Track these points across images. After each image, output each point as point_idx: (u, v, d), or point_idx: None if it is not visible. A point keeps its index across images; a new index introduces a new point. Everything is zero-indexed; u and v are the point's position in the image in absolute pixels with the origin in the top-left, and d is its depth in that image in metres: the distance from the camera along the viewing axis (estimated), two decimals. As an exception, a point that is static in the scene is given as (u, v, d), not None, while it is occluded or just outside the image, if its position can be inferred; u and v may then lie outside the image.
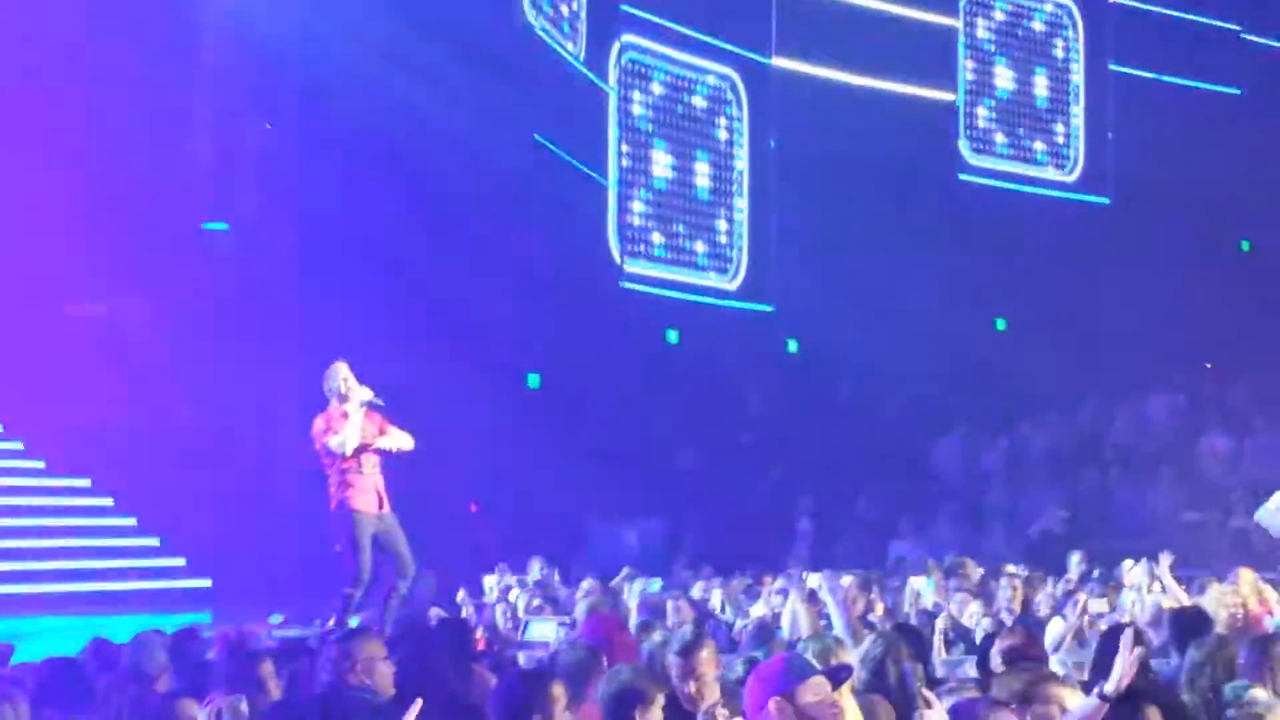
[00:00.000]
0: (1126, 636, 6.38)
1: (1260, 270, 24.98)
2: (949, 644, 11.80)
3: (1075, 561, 16.04)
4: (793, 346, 24.30)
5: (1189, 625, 9.83)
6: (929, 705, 6.20)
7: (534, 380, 20.91)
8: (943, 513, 21.44)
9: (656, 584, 14.87)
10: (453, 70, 19.06)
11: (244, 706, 6.20)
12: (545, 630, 12.48)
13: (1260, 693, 7.78)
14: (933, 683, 9.16)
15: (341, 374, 12.28)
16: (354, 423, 12.16)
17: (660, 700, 6.64)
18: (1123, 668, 6.15)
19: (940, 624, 11.95)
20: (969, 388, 23.38)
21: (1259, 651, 8.60)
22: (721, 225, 23.15)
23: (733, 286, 23.30)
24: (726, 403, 22.86)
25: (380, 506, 12.34)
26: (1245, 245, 26.55)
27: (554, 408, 20.02)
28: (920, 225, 22.68)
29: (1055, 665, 9.44)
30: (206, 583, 17.88)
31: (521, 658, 11.00)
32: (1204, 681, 8.50)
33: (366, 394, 12.26)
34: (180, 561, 18.35)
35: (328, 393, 12.30)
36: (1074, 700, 6.56)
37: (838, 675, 5.85)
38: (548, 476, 18.34)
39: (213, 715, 6.15)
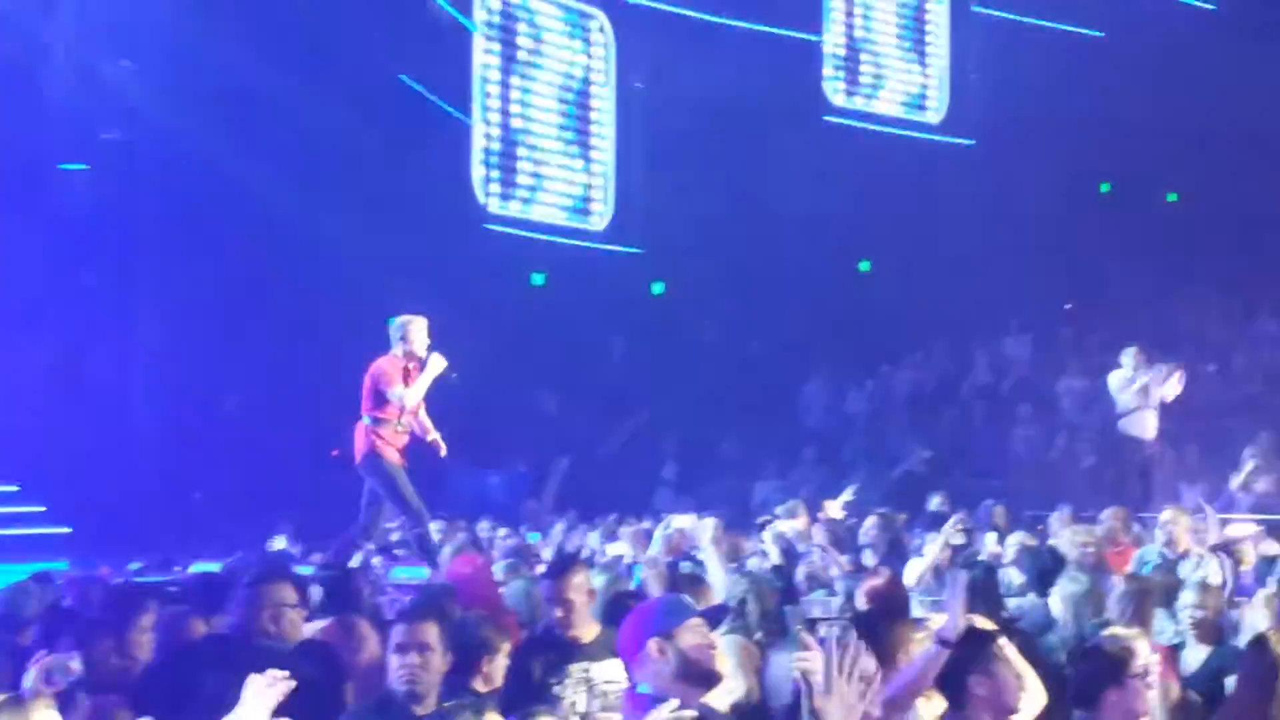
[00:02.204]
0: (956, 579, 6.42)
1: (1119, 213, 25.30)
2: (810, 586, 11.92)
3: (936, 502, 16.23)
4: (658, 289, 24.30)
5: (1045, 565, 10.01)
6: (808, 647, 6.23)
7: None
8: (807, 455, 21.61)
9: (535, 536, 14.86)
10: (318, 10, 18.83)
11: (76, 664, 6.03)
12: (410, 576, 12.45)
13: (1120, 629, 7.90)
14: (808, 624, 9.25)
15: (423, 333, 12.40)
16: (422, 384, 12.29)
17: (506, 648, 6.64)
18: (956, 611, 6.19)
19: (804, 566, 12.05)
20: (834, 330, 23.52)
21: (1134, 590, 8.76)
22: (587, 167, 23.07)
23: (599, 228, 23.24)
24: (592, 346, 22.85)
25: (402, 459, 12.50)
26: (1105, 187, 26.85)
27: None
28: (786, 167, 22.72)
29: (916, 605, 9.55)
30: (66, 530, 17.64)
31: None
32: (1070, 619, 8.65)
33: (442, 364, 12.35)
34: (40, 509, 18.10)
35: (397, 341, 12.34)
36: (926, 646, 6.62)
37: (715, 616, 5.87)
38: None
39: (41, 675, 5.98)
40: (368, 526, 12.69)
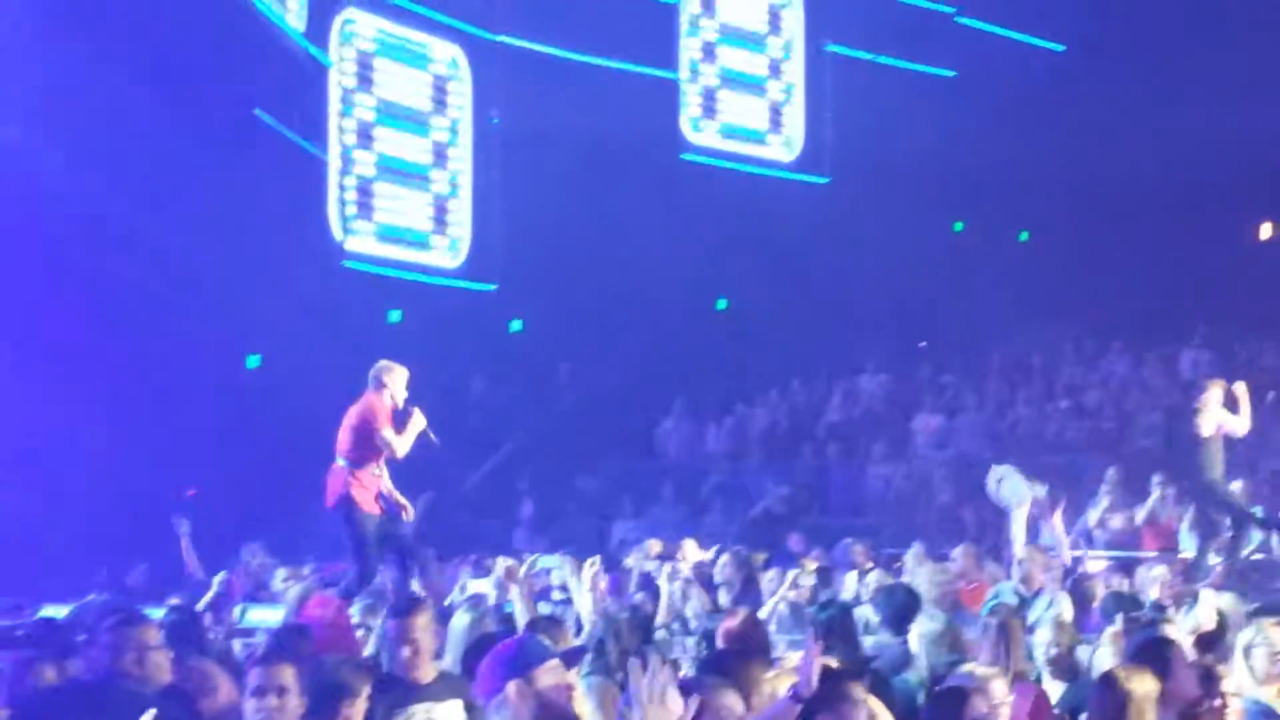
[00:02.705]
0: (810, 643, 6.41)
1: (971, 251, 25.62)
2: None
3: (794, 541, 16.30)
4: (516, 326, 24.24)
5: (901, 604, 10.05)
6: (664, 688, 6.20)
7: (254, 361, 20.55)
8: (665, 492, 21.61)
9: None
10: (173, 43, 18.57)
11: None
12: (264, 616, 12.28)
13: (977, 667, 7.94)
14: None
15: (403, 383, 12.15)
16: (410, 436, 12.03)
17: (366, 691, 6.55)
18: (807, 668, 6.17)
19: (665, 608, 12.03)
20: (691, 367, 23.59)
21: (989, 627, 8.82)
22: (444, 203, 22.96)
23: (455, 266, 23.14)
24: (449, 383, 22.71)
25: (378, 509, 12.17)
26: (958, 226, 27.18)
27: (275, 391, 19.69)
28: (643, 204, 22.76)
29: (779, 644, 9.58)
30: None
31: (238, 645, 10.83)
32: (931, 654, 8.69)
33: (423, 421, 12.20)
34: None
35: (379, 384, 12.03)
36: (785, 685, 6.61)
37: (573, 657, 5.83)
38: (268, 460, 18.03)
39: None
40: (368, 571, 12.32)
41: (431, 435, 12.25)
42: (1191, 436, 14.97)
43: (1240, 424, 15.12)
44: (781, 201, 24.75)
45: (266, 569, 14.91)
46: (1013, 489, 15.45)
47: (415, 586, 12.40)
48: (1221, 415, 14.98)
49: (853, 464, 21.88)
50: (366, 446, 11.97)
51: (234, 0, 19.54)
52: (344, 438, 12.08)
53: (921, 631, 8.88)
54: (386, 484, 12.31)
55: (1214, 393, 15.18)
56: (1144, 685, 6.63)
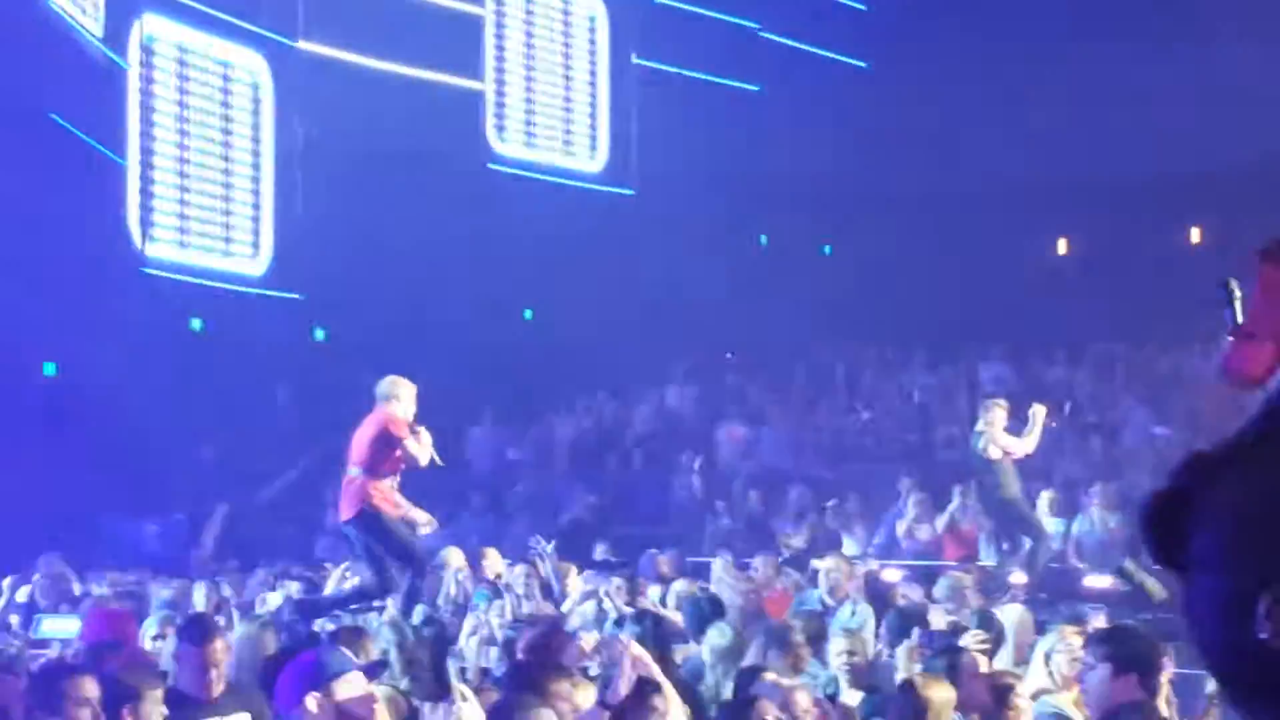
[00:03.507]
0: (622, 648, 6.45)
1: (776, 263, 25.87)
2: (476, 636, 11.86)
3: (601, 551, 16.31)
4: (320, 335, 24.02)
5: (703, 612, 10.13)
6: (464, 698, 6.18)
7: (50, 369, 20.15)
8: (473, 502, 21.52)
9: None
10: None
11: None
12: (59, 627, 12.06)
13: (774, 676, 8.01)
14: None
15: (413, 401, 12.34)
16: (426, 451, 12.16)
17: (156, 695, 6.45)
18: (621, 676, 6.24)
19: (470, 618, 12.00)
20: (498, 377, 23.52)
21: (780, 638, 8.90)
22: (247, 211, 22.69)
23: (259, 273, 22.87)
24: (253, 392, 22.43)
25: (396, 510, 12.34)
26: (763, 239, 27.43)
27: (73, 399, 19.33)
28: (450, 213, 22.68)
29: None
30: None
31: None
32: (721, 667, 8.76)
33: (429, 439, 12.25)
34: None
35: (390, 398, 11.98)
36: (585, 696, 6.63)
37: (373, 670, 5.78)
38: (65, 468, 17.70)
39: None
40: (385, 582, 12.30)
41: (436, 456, 12.40)
42: (980, 457, 15.27)
43: (1025, 445, 15.42)
44: (589, 212, 24.81)
45: (63, 579, 14.61)
46: None
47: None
48: (1005, 439, 15.27)
49: (659, 474, 21.97)
50: (386, 456, 12.17)
51: (28, 4, 19.17)
52: (361, 450, 12.26)
53: (710, 644, 8.96)
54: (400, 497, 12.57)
55: (996, 415, 15.47)
56: (941, 693, 6.77)
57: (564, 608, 12.49)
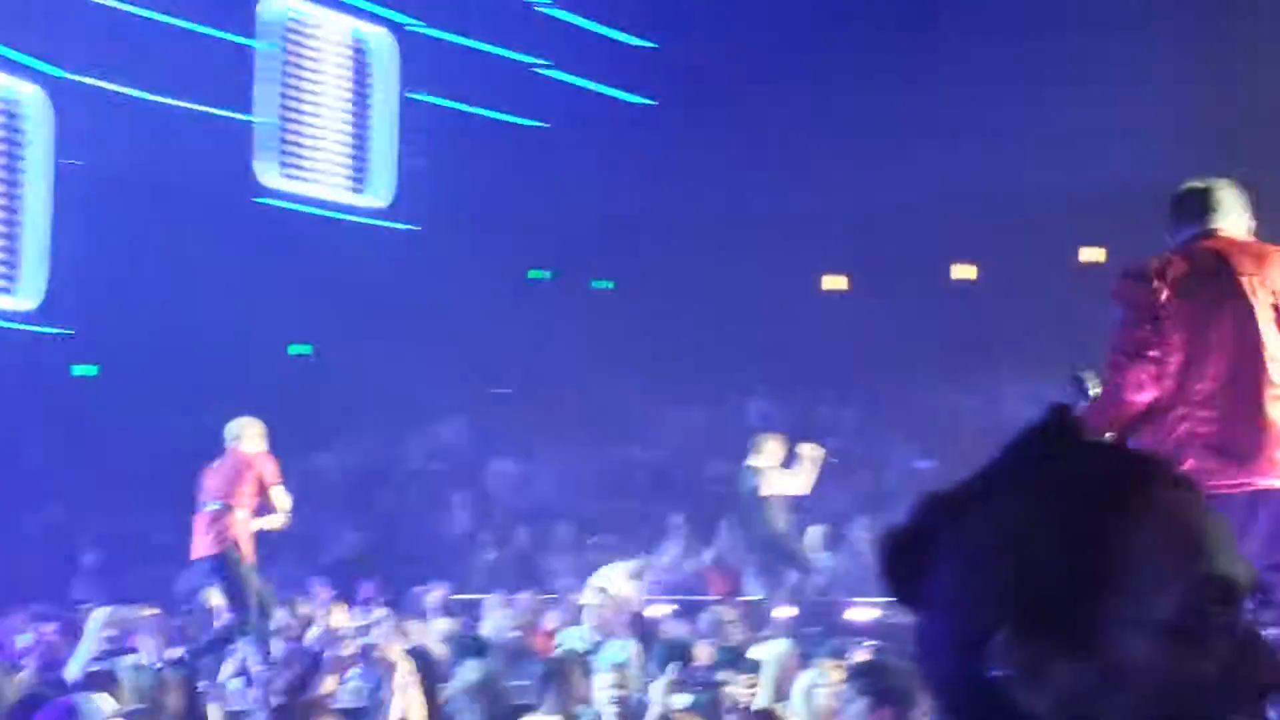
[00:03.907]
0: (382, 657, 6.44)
1: (555, 299, 25.89)
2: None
3: (367, 588, 16.18)
4: (88, 370, 23.56)
5: (468, 649, 10.09)
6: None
7: None
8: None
9: None
10: None
11: None
12: None
13: (538, 716, 7.99)
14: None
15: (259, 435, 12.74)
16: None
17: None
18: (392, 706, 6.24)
19: (231, 661, 11.85)
20: (271, 413, 23.19)
21: (552, 673, 8.89)
22: (14, 246, 22.13)
23: (27, 308, 22.31)
24: (12, 429, 21.89)
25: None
26: (545, 275, 27.45)
27: None
28: (219, 248, 22.35)
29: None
30: None
31: None
32: (477, 704, 8.72)
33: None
34: None
35: (238, 439, 11.80)
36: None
37: (131, 717, 5.68)
38: None
39: None
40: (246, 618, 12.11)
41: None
42: (749, 493, 15.36)
43: (799, 484, 15.58)
44: (364, 247, 24.59)
45: None
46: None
47: None
48: (779, 480, 15.41)
49: (430, 510, 21.85)
50: (246, 496, 12.52)
51: None
52: (237, 484, 12.04)
53: (463, 680, 8.94)
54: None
55: (769, 450, 15.58)
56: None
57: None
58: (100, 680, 8.61)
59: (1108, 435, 6.04)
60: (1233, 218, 6.22)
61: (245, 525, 12.32)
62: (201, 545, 12.40)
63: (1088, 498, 1.47)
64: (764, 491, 15.19)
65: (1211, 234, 6.19)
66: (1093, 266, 25.95)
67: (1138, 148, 22.31)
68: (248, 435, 12.64)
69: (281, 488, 12.43)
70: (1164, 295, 6.03)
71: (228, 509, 12.24)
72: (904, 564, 1.54)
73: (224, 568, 12.32)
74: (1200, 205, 6.23)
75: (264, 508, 12.64)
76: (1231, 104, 22.25)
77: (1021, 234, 24.58)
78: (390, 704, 6.49)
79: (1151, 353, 6.03)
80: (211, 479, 12.47)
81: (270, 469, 12.49)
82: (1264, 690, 1.44)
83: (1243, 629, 1.44)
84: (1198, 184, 6.31)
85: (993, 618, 1.45)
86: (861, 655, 10.60)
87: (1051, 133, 22.81)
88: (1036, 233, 24.62)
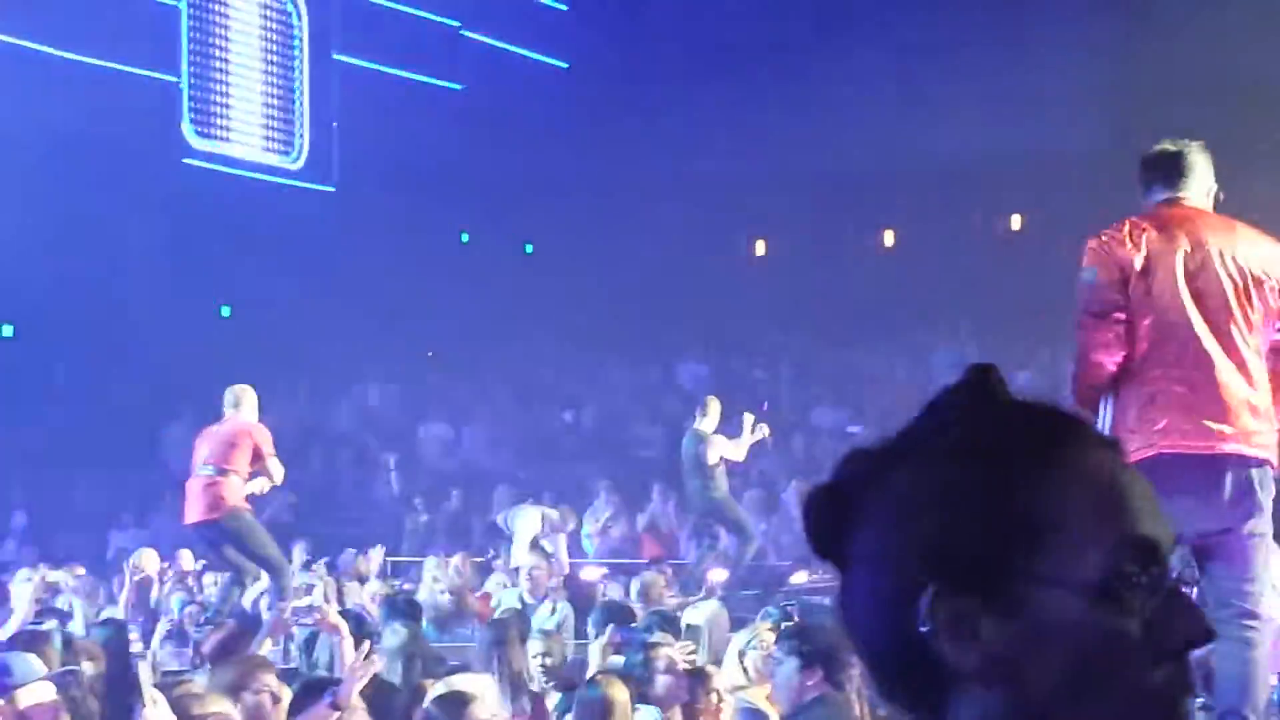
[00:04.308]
0: (355, 658, 6.47)
1: (478, 261, 25.85)
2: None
3: (298, 551, 16.15)
4: (7, 331, 23.36)
5: (401, 612, 10.11)
6: (154, 702, 6.08)
7: None
8: (166, 502, 21.11)
9: None
10: None
11: None
12: None
13: (463, 678, 8.00)
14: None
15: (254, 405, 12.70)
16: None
17: None
18: (350, 680, 6.31)
19: (164, 621, 11.85)
20: (196, 375, 23.09)
21: (499, 638, 8.92)
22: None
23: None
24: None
25: None
26: (465, 237, 27.41)
27: None
28: (145, 208, 22.19)
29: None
30: None
31: None
32: (403, 664, 8.76)
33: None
34: None
35: (236, 406, 12.33)
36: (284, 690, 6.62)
37: (64, 679, 5.66)
38: None
39: None
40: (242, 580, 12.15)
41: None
42: (694, 458, 15.34)
43: (739, 452, 15.61)
44: (289, 208, 24.48)
45: None
46: (522, 519, 15.71)
47: None
48: (723, 446, 15.42)
49: (360, 472, 21.82)
50: (242, 464, 12.47)
51: None
52: (237, 451, 12.38)
53: (385, 645, 8.94)
54: None
55: (715, 413, 15.59)
56: (618, 691, 6.88)
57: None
58: (28, 640, 8.57)
59: (1081, 396, 6.17)
60: (1200, 184, 6.27)
61: (240, 491, 12.40)
62: (196, 510, 12.43)
63: (1010, 457, 1.48)
64: (711, 459, 15.16)
65: (1177, 201, 6.24)
66: (1013, 233, 26.20)
67: (1055, 116, 22.52)
68: (246, 402, 12.69)
69: (276, 458, 12.48)
70: (1134, 258, 6.09)
71: (223, 474, 12.30)
72: (829, 521, 1.55)
73: (225, 534, 12.40)
74: (1170, 169, 6.27)
75: (256, 476, 12.68)
76: (1143, 75, 22.44)
77: (943, 200, 24.76)
78: (327, 664, 6.53)
79: (1118, 314, 6.08)
80: (208, 444, 12.50)
81: (267, 439, 12.52)
82: (1185, 648, 1.48)
83: (1165, 588, 1.48)
84: (1170, 147, 6.33)
85: (920, 575, 1.46)
86: (793, 617, 10.68)
87: (973, 102, 22.93)
88: (958, 199, 24.80)
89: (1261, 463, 6.06)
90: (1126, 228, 6.20)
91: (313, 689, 6.77)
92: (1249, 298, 6.12)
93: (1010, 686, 1.47)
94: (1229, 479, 5.98)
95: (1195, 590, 5.65)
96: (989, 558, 1.46)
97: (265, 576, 12.55)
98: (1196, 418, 6.02)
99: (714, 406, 15.51)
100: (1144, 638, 1.45)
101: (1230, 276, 6.11)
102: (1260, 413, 6.08)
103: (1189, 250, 6.12)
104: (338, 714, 6.26)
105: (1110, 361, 6.13)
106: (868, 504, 1.52)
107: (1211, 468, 5.97)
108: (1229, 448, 6.01)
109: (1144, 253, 6.12)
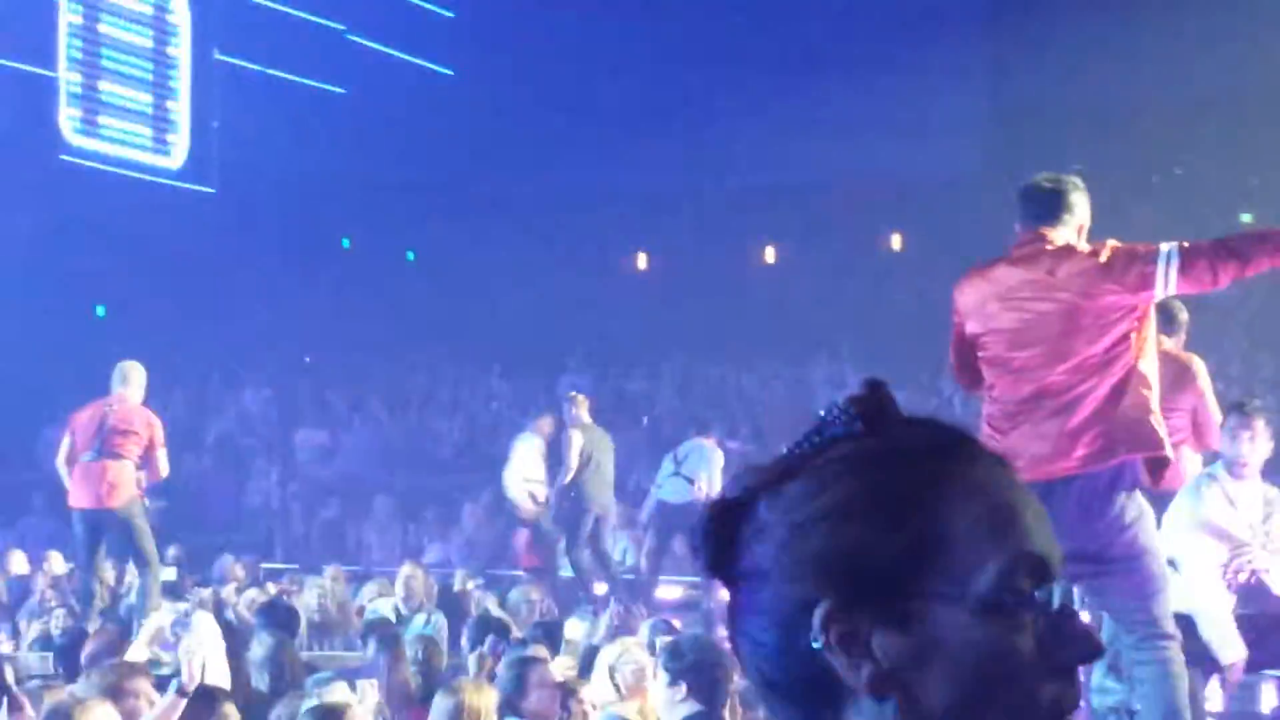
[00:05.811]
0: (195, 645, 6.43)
1: (359, 268, 25.72)
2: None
3: (171, 554, 15.98)
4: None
5: (282, 621, 10.05)
6: (20, 707, 6.02)
7: None
8: (37, 504, 20.83)
9: None
10: None
11: None
12: None
13: (339, 687, 7.97)
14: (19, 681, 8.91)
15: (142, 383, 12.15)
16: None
17: None
18: (190, 665, 6.28)
19: (37, 624, 11.70)
20: (72, 376, 22.79)
21: (385, 640, 8.91)
22: None
23: None
24: None
25: None
26: (345, 243, 27.25)
27: None
28: (18, 205, 21.87)
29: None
30: None
31: None
32: (270, 672, 8.69)
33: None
34: None
35: (125, 383, 11.44)
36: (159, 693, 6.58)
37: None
38: None
39: None
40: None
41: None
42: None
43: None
44: (167, 209, 24.21)
45: None
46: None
47: None
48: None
49: (234, 478, 21.61)
50: (138, 452, 12.09)
51: None
52: (134, 436, 11.92)
53: (252, 655, 8.87)
54: None
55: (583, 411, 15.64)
56: (481, 697, 6.89)
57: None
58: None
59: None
60: (1071, 219, 6.30)
61: (133, 480, 12.00)
62: (86, 495, 11.90)
63: (903, 473, 1.50)
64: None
65: (1041, 237, 6.28)
66: (894, 253, 26.44)
67: (936, 138, 22.77)
68: (134, 380, 12.17)
69: (164, 451, 12.11)
70: (964, 316, 6.32)
71: (117, 459, 11.88)
72: (721, 538, 1.55)
73: (115, 524, 11.95)
74: (1037, 205, 6.31)
75: (143, 468, 12.26)
76: (1021, 98, 22.75)
77: (825, 219, 24.93)
78: (200, 672, 6.48)
79: (961, 365, 6.37)
80: (98, 425, 11.97)
81: (160, 431, 12.12)
82: (1076, 663, 1.49)
83: (1056, 604, 1.49)
84: (1044, 182, 6.38)
85: (813, 590, 1.47)
86: (669, 633, 10.69)
87: (855, 122, 23.13)
88: (839, 217, 24.99)
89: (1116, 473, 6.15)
90: (962, 281, 6.38)
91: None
92: (1076, 318, 6.19)
93: (903, 701, 1.47)
94: (1071, 501, 6.06)
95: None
96: (882, 573, 1.47)
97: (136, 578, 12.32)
98: (1035, 443, 6.14)
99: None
100: (1035, 653, 1.47)
101: (1071, 311, 6.18)
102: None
103: (1025, 289, 6.21)
104: (184, 701, 6.28)
105: (971, 385, 6.41)
106: (762, 519, 1.53)
107: (1055, 491, 6.03)
108: (1066, 472, 6.12)
109: (974, 305, 6.29)
